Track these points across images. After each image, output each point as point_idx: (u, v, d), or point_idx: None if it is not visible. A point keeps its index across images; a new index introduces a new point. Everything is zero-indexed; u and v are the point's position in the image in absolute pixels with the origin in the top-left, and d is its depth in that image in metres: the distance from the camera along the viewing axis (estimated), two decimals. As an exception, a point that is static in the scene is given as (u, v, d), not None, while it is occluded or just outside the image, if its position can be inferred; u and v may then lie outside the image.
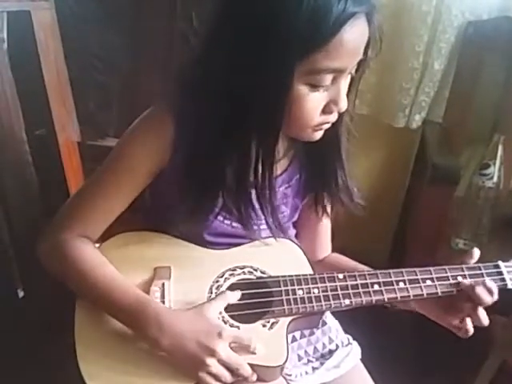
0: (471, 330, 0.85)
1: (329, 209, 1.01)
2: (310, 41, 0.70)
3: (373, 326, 1.29)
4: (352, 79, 0.82)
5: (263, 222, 0.91)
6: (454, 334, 0.88)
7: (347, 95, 0.81)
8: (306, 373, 0.95)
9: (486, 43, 1.53)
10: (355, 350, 1.02)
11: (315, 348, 1.00)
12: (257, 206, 0.86)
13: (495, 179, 1.47)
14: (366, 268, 0.97)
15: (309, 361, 0.98)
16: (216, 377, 0.77)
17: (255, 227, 0.91)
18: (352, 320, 1.06)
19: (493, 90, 1.59)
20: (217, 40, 0.77)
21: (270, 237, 0.96)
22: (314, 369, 0.96)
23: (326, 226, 1.08)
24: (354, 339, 1.06)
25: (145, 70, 1.61)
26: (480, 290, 0.85)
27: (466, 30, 1.55)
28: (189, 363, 0.77)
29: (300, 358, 0.98)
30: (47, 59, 1.32)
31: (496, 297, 0.86)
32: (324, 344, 1.01)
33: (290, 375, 0.93)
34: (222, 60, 0.76)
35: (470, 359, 1.48)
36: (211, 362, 0.76)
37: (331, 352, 1.00)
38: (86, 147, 1.48)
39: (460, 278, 0.89)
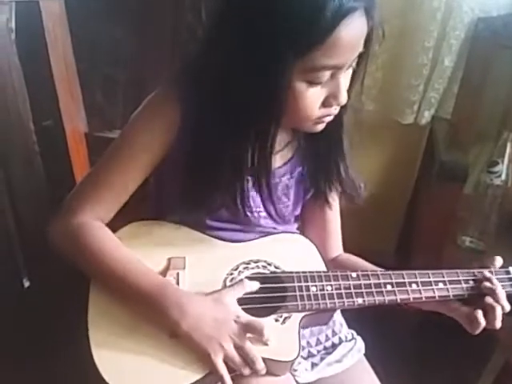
0: (483, 323, 0.84)
1: (334, 202, 1.01)
2: (305, 40, 0.70)
3: (377, 322, 1.29)
4: (354, 72, 0.82)
5: (262, 209, 0.92)
6: (462, 330, 0.87)
7: (351, 88, 0.82)
8: (306, 369, 0.95)
9: (495, 40, 1.53)
10: (359, 345, 1.02)
11: (318, 339, 1.00)
12: (253, 193, 0.87)
13: (503, 177, 1.46)
14: (378, 269, 0.97)
15: (309, 353, 0.98)
16: (231, 362, 0.77)
17: (255, 214, 0.93)
18: (357, 315, 1.05)
19: (502, 87, 1.59)
20: (217, 36, 0.78)
21: (274, 232, 0.98)
22: (313, 365, 0.96)
23: (335, 224, 1.08)
24: (358, 334, 1.06)
25: (152, 63, 1.61)
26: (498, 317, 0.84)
27: (476, 27, 1.54)
28: (205, 346, 0.77)
29: (302, 349, 0.98)
30: (55, 49, 1.32)
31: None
32: (327, 336, 1.02)
33: (295, 370, 0.93)
34: (221, 56, 0.77)
35: (474, 358, 1.48)
36: (228, 346, 0.77)
37: (334, 346, 1.00)
38: (93, 139, 1.48)
39: (471, 283, 0.89)
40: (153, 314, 0.80)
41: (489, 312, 0.84)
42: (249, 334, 0.79)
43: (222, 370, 0.77)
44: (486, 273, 0.90)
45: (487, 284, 0.87)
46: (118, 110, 1.67)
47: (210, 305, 0.80)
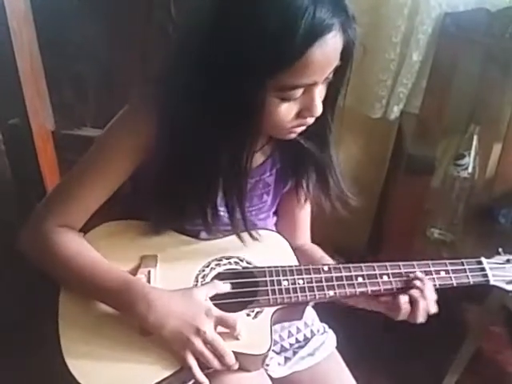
0: (403, 308, 0.85)
1: (307, 196, 1.02)
2: (274, 63, 0.70)
3: (348, 316, 1.30)
4: (331, 83, 0.81)
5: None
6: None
7: (331, 98, 0.83)
8: (279, 364, 0.96)
9: (462, 34, 1.55)
10: (331, 338, 1.03)
11: (289, 332, 1.01)
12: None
13: (470, 169, 1.49)
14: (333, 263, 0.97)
15: (282, 348, 0.99)
16: (201, 356, 0.77)
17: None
18: (328, 309, 1.06)
19: (469, 82, 1.61)
20: (188, 51, 0.78)
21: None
22: (286, 359, 0.97)
23: (305, 214, 1.09)
24: (329, 328, 1.06)
25: (123, 60, 1.60)
26: (421, 310, 0.85)
27: (443, 22, 1.56)
28: (174, 341, 0.77)
29: (275, 343, 0.98)
30: (21, 47, 1.30)
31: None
32: (298, 328, 1.02)
33: (268, 365, 0.94)
34: (192, 71, 0.76)
35: (445, 347, 1.51)
36: (196, 340, 0.77)
37: (306, 339, 1.01)
38: (62, 136, 1.46)
39: (443, 274, 0.90)
40: (121, 311, 0.81)
41: (412, 304, 0.85)
42: (220, 328, 0.79)
43: (191, 362, 0.77)
44: (418, 273, 0.89)
45: (417, 282, 0.87)
46: (88, 107, 1.66)
47: (178, 300, 0.80)
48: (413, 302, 0.86)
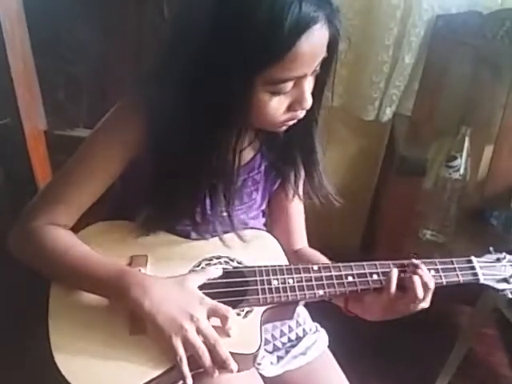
0: (394, 273, 0.85)
1: (298, 195, 1.02)
2: (263, 58, 0.71)
3: (341, 316, 1.30)
4: (318, 76, 0.82)
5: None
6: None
7: (317, 91, 0.83)
8: (271, 363, 0.96)
9: (454, 37, 1.56)
10: (322, 337, 1.03)
11: (281, 331, 1.01)
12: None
13: (462, 171, 1.50)
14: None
15: (275, 347, 0.99)
16: (191, 346, 0.76)
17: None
18: (320, 309, 1.06)
19: (461, 84, 1.62)
20: (179, 50, 0.78)
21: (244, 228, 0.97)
22: (278, 358, 0.97)
23: (299, 216, 1.09)
24: (321, 327, 1.07)
25: (115, 60, 1.60)
26: (417, 283, 0.84)
27: (435, 24, 1.57)
28: (167, 327, 0.75)
29: (267, 342, 0.98)
30: (13, 47, 1.29)
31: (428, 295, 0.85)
32: (290, 327, 1.02)
33: (259, 364, 0.94)
34: (182, 69, 0.77)
35: (437, 348, 1.51)
36: (190, 327, 0.75)
37: (298, 338, 1.01)
38: (54, 137, 1.46)
39: (433, 272, 0.89)
40: (115, 298, 0.80)
41: (407, 283, 0.85)
42: (212, 319, 0.79)
43: (180, 351, 0.75)
44: (415, 260, 0.89)
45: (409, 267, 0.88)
46: (80, 108, 1.66)
47: (173, 287, 0.80)
48: (408, 281, 0.84)
